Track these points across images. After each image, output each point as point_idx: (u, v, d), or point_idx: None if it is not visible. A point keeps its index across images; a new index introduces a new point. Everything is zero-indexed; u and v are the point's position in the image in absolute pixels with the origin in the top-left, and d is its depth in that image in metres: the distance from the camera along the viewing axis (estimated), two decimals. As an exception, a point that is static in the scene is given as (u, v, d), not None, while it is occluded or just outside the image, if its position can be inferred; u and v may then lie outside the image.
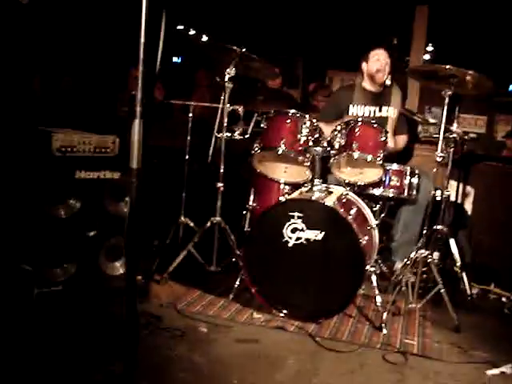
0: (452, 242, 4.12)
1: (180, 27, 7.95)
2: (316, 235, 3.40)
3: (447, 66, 3.53)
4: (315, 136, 3.79)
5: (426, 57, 7.49)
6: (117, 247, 3.57)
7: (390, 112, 4.58)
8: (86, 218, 3.40)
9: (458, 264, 4.06)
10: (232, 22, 8.51)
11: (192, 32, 9.19)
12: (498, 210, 4.79)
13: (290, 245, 3.45)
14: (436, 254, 3.87)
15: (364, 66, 4.58)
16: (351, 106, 4.55)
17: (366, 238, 3.58)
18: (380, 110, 4.58)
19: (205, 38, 9.85)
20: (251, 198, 4.14)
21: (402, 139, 4.66)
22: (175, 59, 9.66)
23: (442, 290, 3.65)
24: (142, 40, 1.47)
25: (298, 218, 3.41)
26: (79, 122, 3.80)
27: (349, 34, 9.03)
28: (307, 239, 3.42)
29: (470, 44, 8.50)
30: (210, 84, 6.25)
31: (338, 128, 3.76)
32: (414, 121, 5.27)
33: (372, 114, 4.55)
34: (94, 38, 6.05)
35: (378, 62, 4.47)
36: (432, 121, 4.66)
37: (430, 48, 7.10)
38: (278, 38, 9.15)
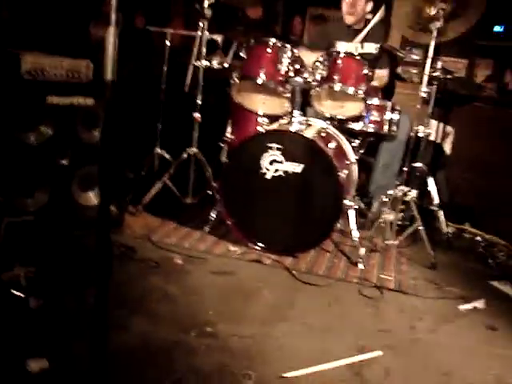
0: (430, 180, 4.11)
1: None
2: (295, 168, 3.33)
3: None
4: (296, 66, 3.68)
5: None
6: (90, 176, 3.45)
7: (372, 48, 4.46)
8: (58, 145, 3.26)
9: (436, 203, 4.05)
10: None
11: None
12: (475, 151, 4.76)
13: (267, 177, 3.39)
14: (414, 192, 3.82)
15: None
16: (337, 42, 4.43)
17: (346, 172, 3.52)
18: (362, 47, 4.45)
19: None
20: (228, 129, 4.05)
21: (382, 74, 4.54)
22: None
23: (421, 228, 3.66)
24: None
25: (277, 149, 3.34)
26: (51, 44, 3.62)
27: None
28: (285, 171, 3.35)
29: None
30: (188, 11, 6.05)
31: (321, 59, 3.64)
32: (396, 59, 5.17)
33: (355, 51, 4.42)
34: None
35: (345, 2, 4.35)
36: (415, 57, 4.55)
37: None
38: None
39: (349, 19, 4.38)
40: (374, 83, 4.13)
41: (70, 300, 2.60)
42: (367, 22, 4.43)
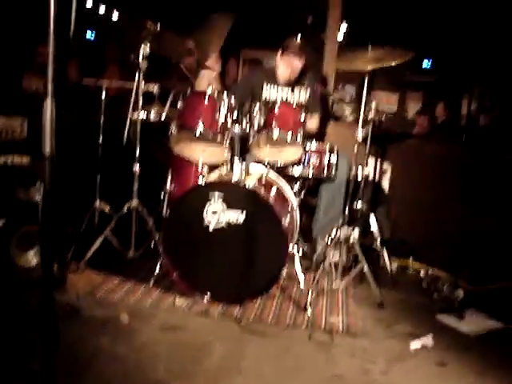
0: (372, 218, 4.17)
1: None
2: (237, 218, 3.33)
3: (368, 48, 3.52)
4: (233, 116, 3.69)
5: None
6: (29, 236, 3.37)
7: (302, 94, 4.55)
8: (-7, 206, 3.19)
9: (378, 241, 4.11)
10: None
11: (102, 9, 8.87)
12: (412, 186, 4.89)
13: (210, 228, 3.37)
14: (357, 231, 3.88)
15: (278, 57, 4.49)
16: (265, 85, 4.49)
17: (288, 218, 3.54)
18: (292, 91, 4.54)
19: (116, 14, 9.57)
20: (168, 180, 4.02)
21: (315, 119, 4.61)
22: (88, 35, 9.26)
23: (366, 269, 3.70)
24: (52, 11, 1.33)
25: (218, 200, 3.33)
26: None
27: (263, 12, 8.97)
28: (228, 222, 3.34)
29: (383, 21, 8.63)
30: (122, 60, 6.04)
31: (257, 108, 3.67)
32: (327, 100, 5.29)
33: (285, 96, 4.50)
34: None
35: (288, 68, 4.42)
36: (348, 95, 4.65)
37: (343, 27, 7.10)
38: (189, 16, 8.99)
39: (284, 78, 4.47)
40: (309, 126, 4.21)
41: (13, 368, 2.50)
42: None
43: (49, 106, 1.35)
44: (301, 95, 4.52)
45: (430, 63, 10.57)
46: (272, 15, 8.92)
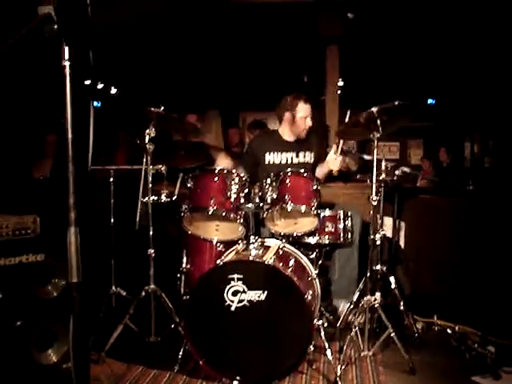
0: (392, 279, 4.09)
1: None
2: (259, 295, 3.26)
3: (373, 110, 3.51)
4: (245, 191, 3.68)
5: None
6: (47, 334, 3.30)
7: (308, 157, 4.55)
8: (10, 307, 3.13)
9: (402, 303, 4.03)
10: (141, 75, 8.41)
11: (100, 85, 8.99)
12: (428, 241, 4.84)
13: (232, 308, 3.30)
14: (378, 295, 3.82)
15: (288, 116, 4.50)
16: (267, 153, 4.50)
17: (310, 291, 3.48)
18: (297, 156, 4.55)
19: (114, 91, 9.70)
20: (184, 259, 3.98)
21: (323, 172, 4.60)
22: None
23: (393, 334, 3.61)
24: (70, 136, 1.33)
25: (238, 279, 3.27)
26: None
27: (258, 73, 9.11)
28: (250, 301, 3.28)
29: (379, 76, 8.76)
30: (130, 145, 6.10)
31: (268, 181, 3.65)
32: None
33: (289, 161, 4.51)
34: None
35: (307, 119, 4.45)
36: (367, 157, 4.63)
37: (340, 83, 7.16)
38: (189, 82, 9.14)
39: (303, 135, 4.49)
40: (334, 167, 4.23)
41: None
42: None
43: (73, 234, 1.33)
44: (306, 158, 4.53)
45: (434, 101, 10.69)
46: (267, 77, 9.06)
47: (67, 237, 1.32)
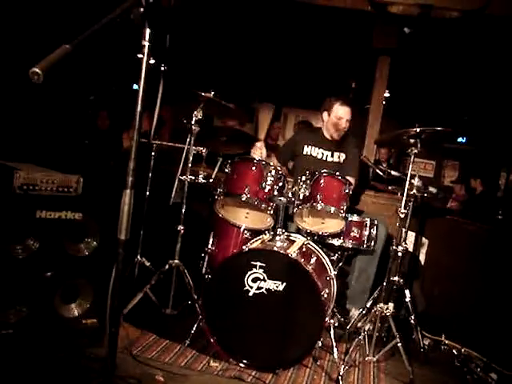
0: (407, 292, 4.17)
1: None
2: (277, 285, 3.39)
3: (417, 129, 3.62)
4: (280, 184, 3.80)
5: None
6: (73, 288, 3.48)
7: (341, 158, 4.67)
8: (43, 258, 3.30)
9: (413, 316, 4.11)
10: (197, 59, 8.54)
11: (152, 61, 9.15)
12: (448, 262, 4.89)
13: (250, 294, 3.43)
14: (391, 305, 3.90)
15: (325, 116, 4.64)
16: (306, 146, 4.63)
17: (327, 290, 3.59)
18: (332, 156, 4.66)
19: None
20: (210, 241, 4.12)
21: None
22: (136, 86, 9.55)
23: (399, 344, 3.70)
24: (139, 109, 1.46)
25: (260, 267, 3.40)
26: (44, 158, 3.70)
27: (306, 72, 9.19)
28: (268, 289, 3.40)
29: (424, 93, 8.79)
30: (175, 123, 6.25)
31: (303, 178, 3.77)
32: (365, 166, 5.37)
33: (325, 158, 4.63)
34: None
35: (340, 120, 4.55)
36: (395, 174, 4.72)
37: (386, 94, 7.22)
38: (236, 74, 9.24)
39: (339, 136, 4.59)
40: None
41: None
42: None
43: (127, 196, 1.46)
44: (340, 158, 4.64)
45: (464, 140, 10.74)
46: (314, 77, 9.13)
47: (122, 197, 1.46)
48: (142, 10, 1.49)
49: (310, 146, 4.66)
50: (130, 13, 1.49)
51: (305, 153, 4.67)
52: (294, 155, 4.78)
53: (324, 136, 4.71)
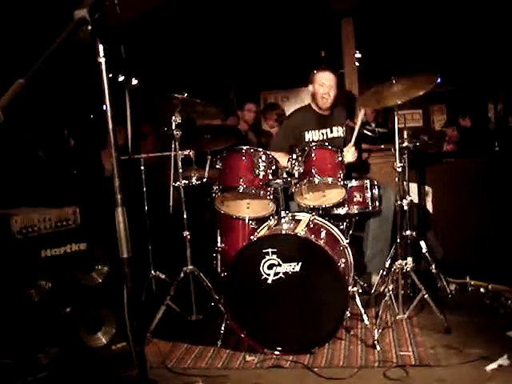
0: (422, 244, 4.17)
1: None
2: (293, 267, 3.38)
3: (393, 81, 3.61)
4: (273, 168, 3.79)
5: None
6: (95, 318, 3.48)
7: (340, 132, 4.65)
8: (59, 295, 3.29)
9: (433, 265, 4.11)
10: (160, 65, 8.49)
11: (121, 78, 9.08)
12: (456, 205, 4.88)
13: (269, 281, 3.42)
14: (409, 259, 3.90)
15: (311, 88, 4.63)
16: (306, 132, 4.59)
17: (343, 260, 3.59)
18: (331, 132, 4.64)
19: (134, 82, 9.81)
20: (219, 239, 4.11)
21: (352, 150, 4.66)
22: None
23: (426, 296, 3.69)
24: (110, 126, 1.46)
25: (273, 253, 3.39)
26: (37, 197, 3.69)
27: (277, 53, 9.13)
28: (285, 273, 3.40)
29: (394, 46, 8.74)
30: (158, 135, 6.23)
31: (294, 156, 3.76)
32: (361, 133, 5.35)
33: (325, 137, 4.61)
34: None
35: (322, 87, 4.53)
36: (382, 130, 4.71)
37: (358, 55, 7.18)
38: (208, 65, 9.20)
39: (325, 104, 4.58)
40: (349, 160, 4.27)
41: None
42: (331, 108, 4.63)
43: (120, 213, 1.45)
44: (339, 132, 4.62)
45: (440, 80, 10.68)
46: (285, 56, 9.08)
47: (115, 216, 1.45)
48: (89, 27, 1.47)
49: (309, 132, 4.61)
50: (77, 33, 1.47)
51: (307, 139, 4.62)
52: (295, 140, 4.68)
53: (316, 112, 4.68)
